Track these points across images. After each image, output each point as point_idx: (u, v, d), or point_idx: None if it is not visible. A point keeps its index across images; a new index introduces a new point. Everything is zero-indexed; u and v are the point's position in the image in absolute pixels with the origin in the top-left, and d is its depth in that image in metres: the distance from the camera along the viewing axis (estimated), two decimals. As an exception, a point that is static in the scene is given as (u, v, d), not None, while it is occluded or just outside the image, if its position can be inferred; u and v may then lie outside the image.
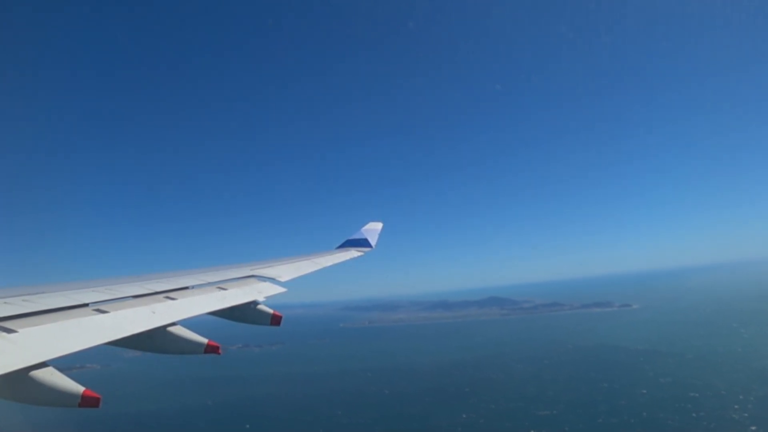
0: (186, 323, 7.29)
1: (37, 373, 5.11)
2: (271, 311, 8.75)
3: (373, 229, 18.92)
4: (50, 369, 5.24)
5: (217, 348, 7.30)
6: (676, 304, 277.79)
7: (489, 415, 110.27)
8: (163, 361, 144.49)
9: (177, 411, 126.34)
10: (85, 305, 6.54)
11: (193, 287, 8.61)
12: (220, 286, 9.04)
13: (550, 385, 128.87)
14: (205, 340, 7.23)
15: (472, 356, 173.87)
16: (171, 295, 7.90)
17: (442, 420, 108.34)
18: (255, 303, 8.74)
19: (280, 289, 9.92)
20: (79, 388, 5.33)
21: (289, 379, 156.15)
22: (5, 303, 5.93)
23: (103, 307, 6.61)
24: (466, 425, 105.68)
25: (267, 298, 9.07)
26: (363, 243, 17.58)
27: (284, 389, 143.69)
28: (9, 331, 5.13)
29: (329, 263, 13.83)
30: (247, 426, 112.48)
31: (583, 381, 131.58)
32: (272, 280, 10.28)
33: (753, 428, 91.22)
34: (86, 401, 5.32)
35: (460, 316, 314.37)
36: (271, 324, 8.73)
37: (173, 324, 7.07)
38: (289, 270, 11.35)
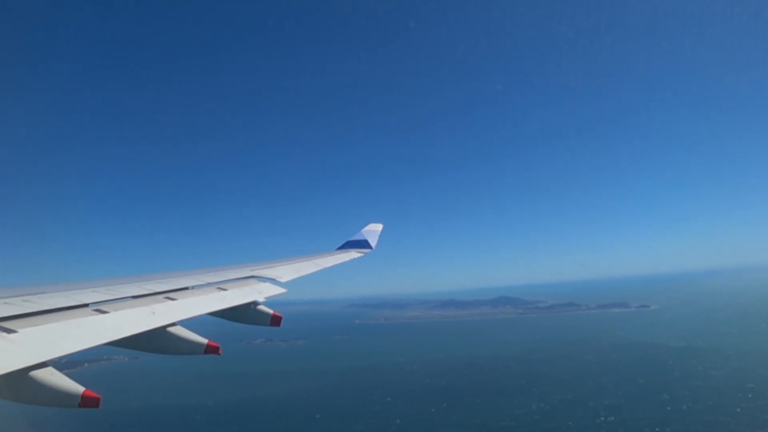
0: (186, 324, 7.41)
1: (37, 373, 5.22)
2: (271, 312, 8.88)
3: (373, 231, 19.22)
4: (50, 369, 5.35)
5: (217, 348, 7.42)
6: (696, 306, 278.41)
7: (558, 405, 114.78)
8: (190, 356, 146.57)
9: (231, 405, 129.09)
10: (85, 305, 6.65)
11: (193, 288, 8.75)
12: (220, 286, 9.17)
13: (604, 378, 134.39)
14: (205, 341, 7.34)
15: (511, 352, 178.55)
16: (171, 295, 8.03)
17: (515, 410, 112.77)
18: (255, 303, 8.86)
19: (280, 290, 10.06)
20: (79, 389, 5.42)
21: (337, 373, 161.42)
22: (5, 303, 6.05)
23: (103, 307, 6.73)
24: (540, 413, 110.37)
25: (267, 298, 9.22)
26: (363, 244, 17.87)
27: (337, 382, 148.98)
28: (9, 331, 5.23)
29: (329, 264, 14.03)
30: (317, 416, 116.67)
31: (634, 374, 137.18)
32: (272, 280, 10.42)
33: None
34: (86, 401, 5.39)
35: (477, 315, 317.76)
36: (271, 324, 8.86)
37: (173, 324, 7.18)
38: (289, 271, 11.50)
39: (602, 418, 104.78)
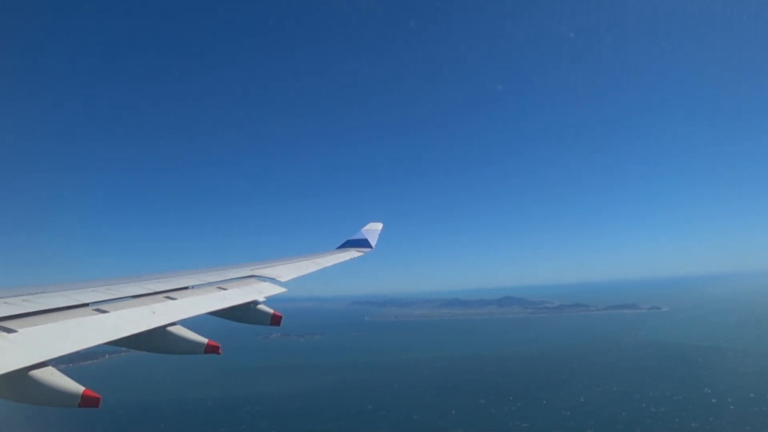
0: (186, 323, 7.52)
1: (37, 373, 5.32)
2: (271, 311, 9.00)
3: (373, 230, 19.40)
4: (50, 369, 5.44)
5: (217, 348, 7.52)
6: (707, 309, 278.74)
7: (605, 398, 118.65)
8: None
9: (279, 396, 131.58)
10: (85, 305, 6.76)
11: (193, 287, 8.86)
12: (220, 286, 9.29)
13: (639, 374, 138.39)
14: (205, 340, 7.45)
15: (537, 350, 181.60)
16: (171, 295, 8.14)
17: (564, 401, 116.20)
18: (255, 303, 8.98)
19: (281, 289, 10.18)
20: (79, 388, 5.52)
21: (372, 367, 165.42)
22: (5, 303, 6.16)
23: (103, 306, 6.84)
24: (591, 405, 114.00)
25: (267, 298, 9.33)
26: (363, 243, 18.04)
27: (376, 376, 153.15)
28: (9, 331, 5.33)
29: (329, 263, 14.18)
30: (369, 407, 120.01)
31: (668, 370, 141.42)
32: (272, 280, 10.54)
33: None
34: (86, 401, 5.49)
35: (486, 314, 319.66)
36: (271, 324, 8.97)
37: (173, 324, 7.28)
38: (289, 270, 11.63)
39: (653, 409, 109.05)
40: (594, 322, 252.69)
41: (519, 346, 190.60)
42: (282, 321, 8.95)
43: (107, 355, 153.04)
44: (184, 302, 7.99)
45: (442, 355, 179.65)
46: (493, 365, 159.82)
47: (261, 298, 9.16)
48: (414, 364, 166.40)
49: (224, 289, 9.16)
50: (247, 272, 10.63)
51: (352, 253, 16.48)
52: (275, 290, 9.99)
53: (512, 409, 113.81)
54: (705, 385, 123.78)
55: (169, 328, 7.24)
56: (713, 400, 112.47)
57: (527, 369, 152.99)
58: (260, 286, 9.94)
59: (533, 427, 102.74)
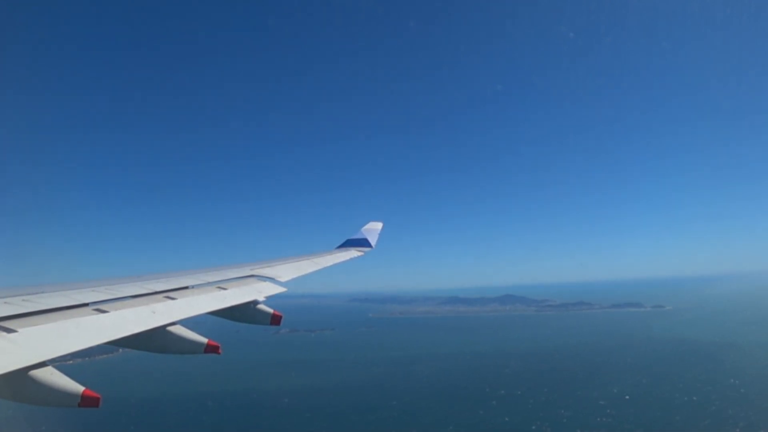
0: (186, 323, 7.58)
1: (37, 373, 5.37)
2: (271, 311, 9.07)
3: (373, 229, 19.46)
4: (50, 369, 5.49)
5: (217, 348, 7.59)
6: (712, 307, 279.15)
7: (637, 389, 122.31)
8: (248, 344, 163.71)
9: (312, 390, 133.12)
10: (85, 305, 6.81)
11: (193, 287, 8.91)
12: (220, 285, 9.34)
13: (662, 367, 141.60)
14: (205, 340, 7.52)
15: (554, 345, 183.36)
16: (171, 294, 8.19)
17: (598, 391, 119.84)
18: (255, 302, 9.04)
19: (280, 289, 10.25)
20: (79, 388, 5.58)
21: (399, 362, 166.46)
22: (5, 303, 6.20)
23: (103, 306, 6.88)
24: (627, 394, 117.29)
25: (267, 297, 9.39)
26: (363, 243, 18.12)
27: (405, 370, 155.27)
28: (9, 330, 5.37)
29: (329, 263, 14.25)
30: (406, 399, 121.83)
31: (689, 364, 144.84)
32: (272, 279, 10.60)
33: None
34: (86, 401, 5.56)
35: (490, 311, 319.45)
36: (271, 323, 9.05)
37: (173, 324, 7.34)
38: (289, 270, 11.70)
39: (686, 398, 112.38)
40: (601, 320, 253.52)
41: (535, 342, 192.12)
42: (282, 320, 9.02)
43: (120, 350, 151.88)
44: (184, 302, 8.03)
45: (460, 350, 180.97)
46: (516, 360, 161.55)
47: (261, 298, 9.23)
48: (436, 359, 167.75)
49: (224, 288, 9.21)
50: (247, 272, 10.68)
51: (353, 253, 16.57)
52: (275, 290, 10.06)
53: (549, 399, 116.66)
54: (729, 376, 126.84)
55: (169, 328, 7.30)
56: (742, 390, 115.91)
57: (551, 364, 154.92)
58: (260, 285, 10.00)
59: (576, 415, 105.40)
